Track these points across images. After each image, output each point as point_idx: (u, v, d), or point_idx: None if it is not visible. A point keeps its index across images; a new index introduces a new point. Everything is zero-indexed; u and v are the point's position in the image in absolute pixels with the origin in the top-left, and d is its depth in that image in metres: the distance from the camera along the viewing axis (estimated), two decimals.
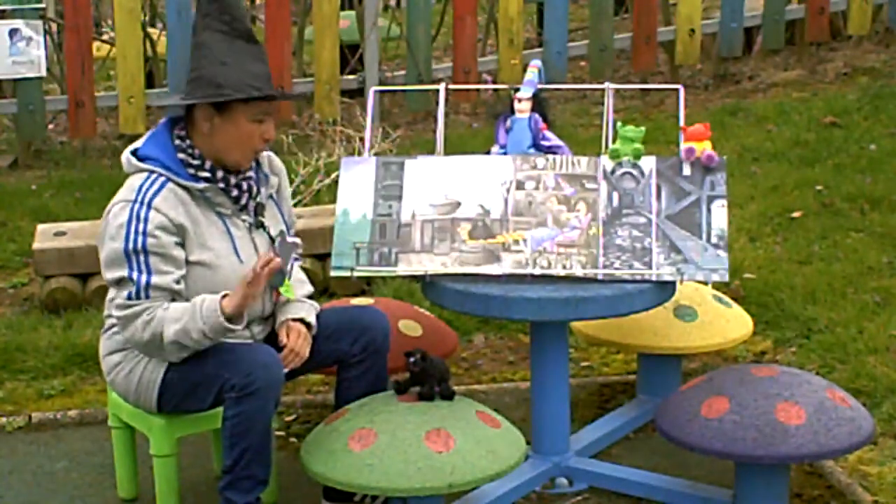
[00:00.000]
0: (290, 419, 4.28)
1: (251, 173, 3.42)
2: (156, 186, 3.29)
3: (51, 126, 7.97)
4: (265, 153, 3.52)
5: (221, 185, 3.35)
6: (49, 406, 4.40)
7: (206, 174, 3.33)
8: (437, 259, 3.50)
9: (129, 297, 3.24)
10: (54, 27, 8.30)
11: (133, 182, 3.33)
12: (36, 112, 7.25)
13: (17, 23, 7.08)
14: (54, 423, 4.29)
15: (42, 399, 4.46)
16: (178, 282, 3.27)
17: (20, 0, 7.09)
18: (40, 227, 5.50)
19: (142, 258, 3.23)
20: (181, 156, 3.34)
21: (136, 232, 3.24)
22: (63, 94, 7.46)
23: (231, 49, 3.31)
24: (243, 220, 3.41)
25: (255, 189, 3.42)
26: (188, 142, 3.36)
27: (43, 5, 7.35)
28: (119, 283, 3.27)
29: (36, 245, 5.27)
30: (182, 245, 3.29)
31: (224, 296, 3.24)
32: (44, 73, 7.23)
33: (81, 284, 5.22)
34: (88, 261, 5.20)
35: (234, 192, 3.37)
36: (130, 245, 3.23)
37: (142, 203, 3.26)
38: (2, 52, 7.05)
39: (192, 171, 3.33)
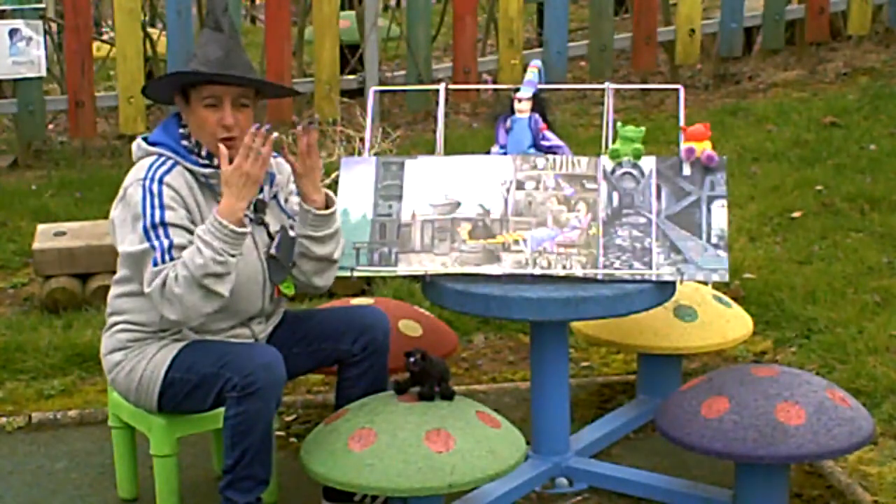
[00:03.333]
0: (290, 419, 4.28)
1: None
2: (166, 167, 3.32)
3: (51, 126, 7.97)
4: (272, 157, 3.52)
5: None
6: (49, 406, 4.40)
7: (206, 161, 3.36)
8: (437, 259, 3.50)
9: (155, 264, 3.22)
10: (54, 27, 8.31)
11: (142, 163, 3.36)
12: (36, 112, 7.26)
13: (17, 23, 7.08)
14: (54, 423, 4.29)
15: (42, 399, 4.46)
16: None
17: (20, 0, 7.10)
18: (40, 227, 5.51)
19: (160, 231, 3.24)
20: (185, 143, 3.38)
21: (153, 206, 3.26)
22: (63, 94, 7.47)
23: (206, 41, 3.37)
24: (244, 215, 3.42)
25: None
26: (188, 130, 3.39)
27: (43, 5, 7.36)
28: (143, 257, 3.24)
29: (36, 245, 5.28)
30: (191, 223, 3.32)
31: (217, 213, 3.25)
32: (44, 73, 7.23)
33: (81, 284, 5.22)
34: (88, 261, 5.21)
35: None
36: (149, 221, 3.24)
37: (153, 179, 3.29)
38: (2, 52, 7.05)
39: (195, 157, 3.36)
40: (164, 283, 3.21)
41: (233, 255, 3.23)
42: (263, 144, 3.25)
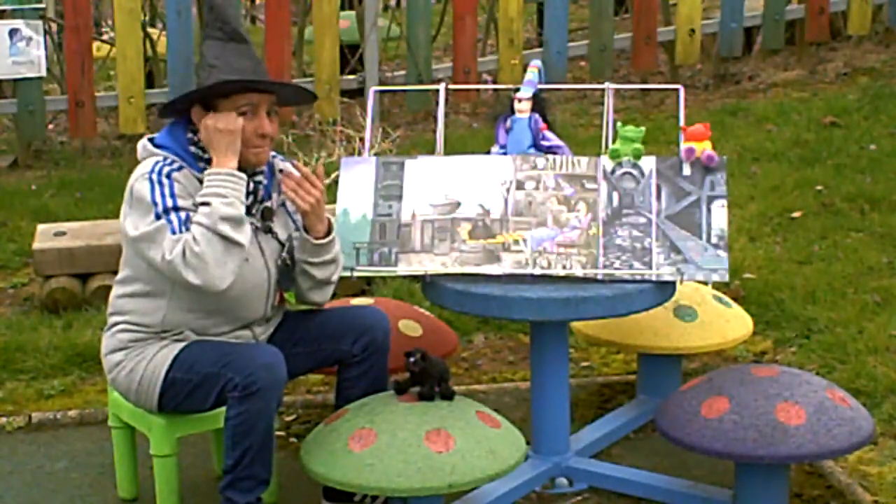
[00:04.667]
0: (290, 419, 4.28)
1: (261, 178, 3.42)
2: (172, 167, 3.32)
3: (51, 126, 7.97)
4: (280, 162, 3.53)
5: None
6: (49, 406, 4.40)
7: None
8: (437, 259, 3.50)
9: (174, 233, 3.21)
10: (54, 27, 8.31)
11: (147, 161, 3.35)
12: (36, 112, 7.26)
13: (17, 23, 7.09)
14: (54, 423, 4.29)
15: (42, 399, 4.46)
16: None
17: (20, 0, 7.10)
18: (40, 227, 5.51)
19: (172, 214, 3.23)
20: (193, 149, 3.37)
21: (163, 195, 3.25)
22: (63, 94, 7.47)
23: (223, 51, 3.33)
24: (251, 223, 3.41)
25: (260, 192, 3.42)
26: (198, 136, 3.37)
27: (43, 5, 7.36)
28: (156, 234, 3.22)
29: (36, 245, 5.28)
30: None
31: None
32: (44, 73, 7.23)
33: (81, 284, 5.22)
34: (88, 261, 5.21)
35: None
36: (160, 207, 3.23)
37: (160, 173, 3.28)
38: (2, 52, 7.06)
39: (202, 164, 3.35)
40: (184, 249, 3.19)
41: (237, 198, 3.22)
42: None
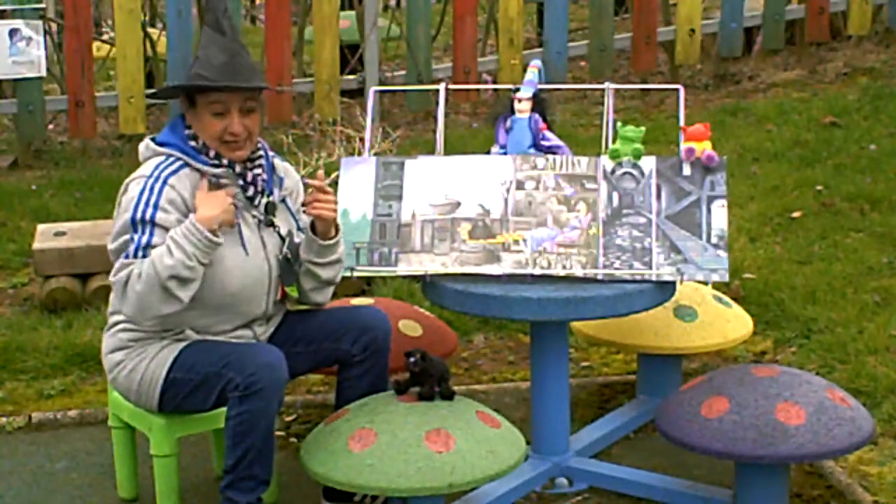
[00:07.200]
0: (290, 419, 4.28)
1: (260, 171, 3.43)
2: (173, 167, 3.33)
3: (51, 126, 7.97)
4: (281, 163, 3.54)
5: (230, 169, 3.35)
6: (49, 406, 4.40)
7: (215, 161, 3.35)
8: (437, 259, 3.50)
9: (126, 257, 3.24)
10: (54, 27, 8.30)
11: (150, 162, 3.37)
12: (36, 112, 7.25)
13: (17, 23, 7.08)
14: (54, 423, 4.29)
15: (42, 399, 4.46)
16: None
17: (20, 0, 7.09)
18: (40, 227, 5.51)
19: (147, 228, 3.25)
20: (193, 143, 3.38)
21: (147, 203, 3.26)
22: (63, 94, 7.46)
23: (208, 42, 3.34)
24: (253, 216, 3.42)
25: (261, 184, 3.42)
26: (192, 130, 3.39)
27: (43, 5, 7.35)
28: (122, 248, 3.26)
29: (36, 245, 5.28)
30: None
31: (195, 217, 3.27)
32: (44, 73, 7.23)
33: (81, 284, 5.22)
34: (88, 261, 5.21)
35: (241, 182, 3.38)
36: (139, 215, 3.25)
37: (157, 178, 3.30)
38: (2, 52, 7.05)
39: (204, 157, 3.36)
40: (127, 278, 3.23)
41: (202, 263, 3.23)
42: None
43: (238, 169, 3.38)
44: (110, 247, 3.32)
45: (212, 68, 3.30)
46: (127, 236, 3.26)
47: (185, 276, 3.21)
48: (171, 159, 3.34)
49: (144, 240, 3.24)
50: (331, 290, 3.55)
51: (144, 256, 3.22)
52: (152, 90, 3.60)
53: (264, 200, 3.42)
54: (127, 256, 3.24)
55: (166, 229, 3.25)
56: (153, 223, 3.25)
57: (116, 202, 3.37)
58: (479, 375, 4.61)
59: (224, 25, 3.35)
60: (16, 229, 6.21)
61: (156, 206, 3.26)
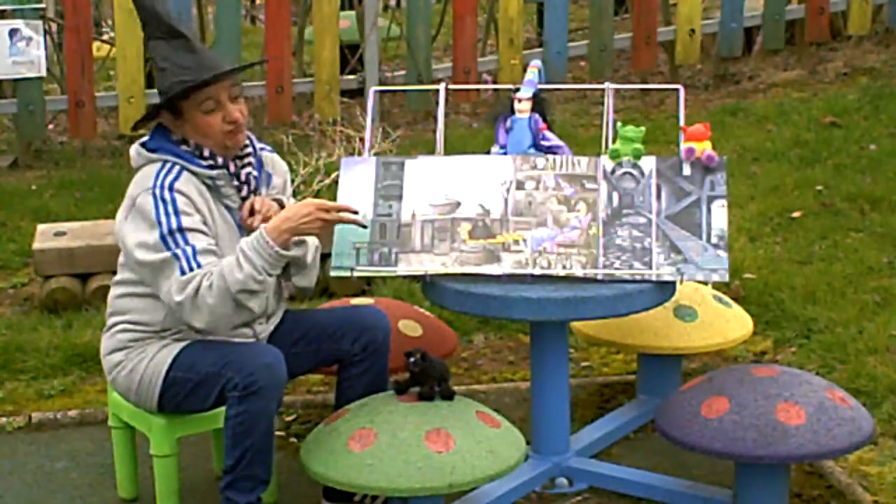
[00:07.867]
0: (290, 419, 4.28)
1: (251, 168, 3.42)
2: (173, 174, 3.31)
3: (51, 126, 7.97)
4: (269, 155, 3.53)
5: (225, 170, 3.35)
6: (49, 406, 4.40)
7: (210, 161, 3.35)
8: (437, 259, 3.50)
9: (183, 273, 3.21)
10: (54, 27, 8.30)
11: (147, 172, 3.33)
12: (36, 112, 7.25)
13: (17, 23, 7.08)
14: (54, 423, 4.29)
15: (42, 399, 4.46)
16: (216, 244, 3.29)
17: (20, 0, 7.09)
18: (40, 227, 5.51)
19: (179, 237, 3.22)
20: (185, 147, 3.36)
21: (168, 214, 3.24)
22: (63, 94, 7.46)
23: (168, 51, 3.32)
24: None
25: (254, 183, 3.42)
26: (179, 137, 3.38)
27: (43, 5, 7.35)
28: (163, 266, 3.23)
29: (36, 245, 5.28)
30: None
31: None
32: (44, 73, 7.23)
33: (81, 284, 5.22)
34: (88, 261, 5.21)
35: (235, 182, 3.38)
36: (165, 228, 3.22)
37: (162, 187, 3.27)
38: (2, 52, 7.05)
39: (200, 160, 3.35)
40: (196, 292, 3.20)
41: (271, 275, 3.24)
42: (338, 221, 3.33)
43: (232, 169, 3.38)
44: (145, 259, 3.23)
45: (187, 71, 3.29)
46: (166, 254, 3.21)
47: (255, 288, 3.22)
48: (168, 165, 3.32)
49: (189, 250, 3.21)
50: (314, 273, 3.52)
51: (199, 265, 3.20)
52: (138, 119, 3.56)
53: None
54: (183, 272, 3.20)
55: (197, 230, 3.24)
56: (182, 230, 3.23)
57: (123, 216, 3.31)
58: (479, 375, 4.61)
59: (181, 28, 3.35)
60: (16, 229, 6.21)
61: (177, 213, 3.24)
